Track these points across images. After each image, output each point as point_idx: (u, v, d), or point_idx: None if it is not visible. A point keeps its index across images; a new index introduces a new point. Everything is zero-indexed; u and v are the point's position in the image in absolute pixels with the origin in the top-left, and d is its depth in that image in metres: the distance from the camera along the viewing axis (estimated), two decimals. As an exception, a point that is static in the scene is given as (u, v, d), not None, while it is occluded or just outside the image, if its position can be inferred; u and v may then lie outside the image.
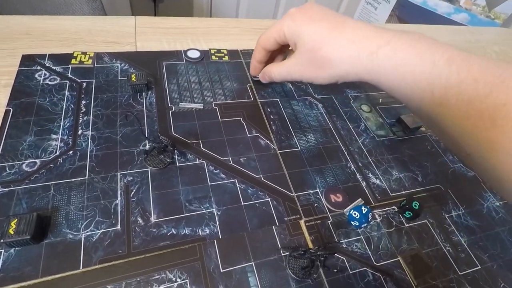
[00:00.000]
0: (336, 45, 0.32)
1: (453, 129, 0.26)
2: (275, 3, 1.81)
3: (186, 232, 0.30)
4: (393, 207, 0.36)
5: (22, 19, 0.46)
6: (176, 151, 0.35)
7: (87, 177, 0.31)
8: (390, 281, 0.30)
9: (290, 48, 0.40)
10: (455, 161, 0.43)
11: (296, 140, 0.40)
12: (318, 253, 0.27)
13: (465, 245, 0.35)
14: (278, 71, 0.39)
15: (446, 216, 0.37)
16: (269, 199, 0.34)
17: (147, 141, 0.35)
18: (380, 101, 0.49)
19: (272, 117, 0.42)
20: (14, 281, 0.24)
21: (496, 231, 0.37)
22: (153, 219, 0.30)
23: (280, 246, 0.30)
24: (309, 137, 0.41)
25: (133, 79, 0.39)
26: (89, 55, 0.42)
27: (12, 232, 0.25)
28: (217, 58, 0.48)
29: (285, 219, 0.32)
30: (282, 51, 0.42)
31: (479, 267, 0.33)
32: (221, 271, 0.28)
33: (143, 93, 0.40)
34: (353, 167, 0.39)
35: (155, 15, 1.61)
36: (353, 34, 0.31)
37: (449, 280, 0.32)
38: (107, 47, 0.45)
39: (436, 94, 0.26)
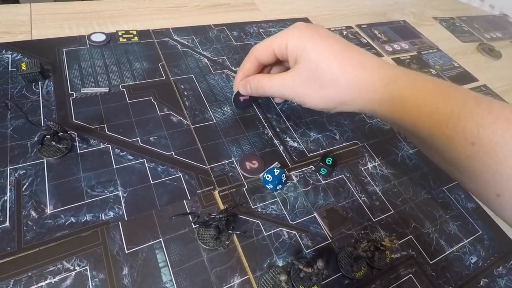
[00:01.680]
0: (347, 67, 0.28)
1: (485, 170, 0.24)
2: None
3: (87, 218, 0.28)
4: (310, 166, 0.37)
5: None
6: (77, 138, 0.33)
7: (-31, 176, 0.28)
8: (305, 237, 0.31)
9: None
10: (372, 117, 0.44)
11: (211, 113, 0.39)
12: (218, 216, 0.27)
13: (380, 193, 0.36)
14: (270, 83, 0.33)
15: (362, 168, 0.38)
16: (180, 174, 0.33)
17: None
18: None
19: (186, 93, 0.41)
20: None
21: (409, 176, 0.39)
22: (48, 210, 0.28)
23: (173, 216, 0.29)
24: (225, 109, 0.40)
25: (23, 68, 0.36)
26: (-27, 47, 0.38)
27: None
28: (125, 40, 0.45)
29: (198, 191, 0.32)
30: (273, 66, 0.37)
31: (392, 211, 0.35)
32: (126, 252, 0.27)
33: (39, 83, 0.37)
34: (270, 133, 0.39)
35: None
36: (367, 61, 0.28)
37: (363, 227, 0.33)
38: (-3, 37, 0.41)
39: (467, 133, 0.24)
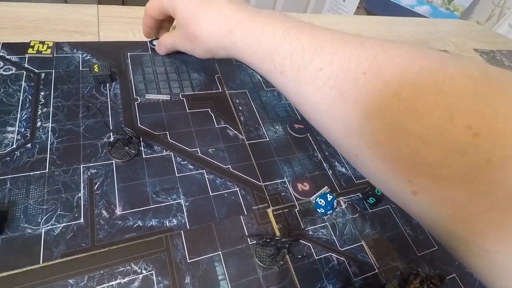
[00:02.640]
0: (202, 22, 0.33)
1: (293, 96, 0.28)
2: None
3: (153, 223, 0.29)
4: (358, 193, 0.38)
5: (-28, 5, 0.43)
6: (142, 143, 0.35)
7: (47, 170, 0.30)
8: (353, 265, 0.32)
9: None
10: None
11: (264, 130, 0.40)
12: (283, 240, 0.28)
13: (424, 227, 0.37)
14: (169, 41, 0.41)
15: (407, 201, 0.39)
16: (237, 188, 0.34)
17: (111, 133, 0.34)
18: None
19: (240, 108, 0.42)
20: (-33, 280, 0.23)
21: (452, 214, 0.39)
22: (118, 211, 0.29)
23: (246, 234, 0.30)
24: (277, 127, 0.41)
25: (95, 69, 0.37)
26: (48, 44, 0.40)
27: (-37, 229, 0.24)
28: (184, 49, 0.47)
29: (253, 208, 0.33)
30: (170, 20, 0.43)
31: (436, 247, 0.35)
32: (188, 261, 0.28)
33: (107, 84, 0.39)
34: (320, 156, 0.40)
35: (123, 3, 1.55)
36: (217, 12, 0.33)
37: (409, 261, 0.34)
38: (67, 36, 0.43)
39: (276, 64, 0.28)
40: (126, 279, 0.26)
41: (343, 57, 0.23)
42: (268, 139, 0.40)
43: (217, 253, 0.29)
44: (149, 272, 0.27)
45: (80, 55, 0.41)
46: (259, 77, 0.47)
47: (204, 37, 0.34)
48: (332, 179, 0.38)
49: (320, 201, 0.34)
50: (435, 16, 1.15)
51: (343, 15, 0.80)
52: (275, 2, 1.93)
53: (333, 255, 0.32)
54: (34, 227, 0.26)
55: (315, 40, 0.26)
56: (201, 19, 0.33)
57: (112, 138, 0.34)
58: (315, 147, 0.41)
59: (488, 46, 0.81)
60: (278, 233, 0.32)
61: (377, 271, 0.32)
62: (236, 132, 0.39)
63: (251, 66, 0.33)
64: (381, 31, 0.73)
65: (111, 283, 0.25)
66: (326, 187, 0.36)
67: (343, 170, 0.39)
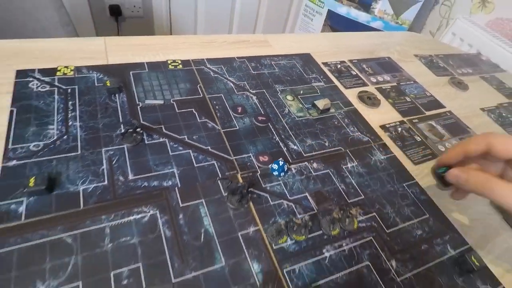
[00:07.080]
0: None
1: None
2: (229, 20, 1.98)
3: (155, 184, 0.42)
4: (305, 163, 0.51)
5: (10, 42, 0.57)
6: (144, 133, 0.48)
7: (79, 152, 0.43)
8: (299, 207, 0.45)
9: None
10: (354, 131, 0.59)
11: (235, 122, 0.54)
12: (239, 184, 0.41)
13: (355, 184, 0.50)
14: (502, 193, 0.30)
15: (343, 167, 0.52)
16: (214, 162, 0.47)
17: (122, 126, 0.47)
18: (301, 92, 0.64)
19: (217, 107, 0.56)
20: (36, 215, 0.36)
21: (378, 174, 0.53)
22: (130, 177, 0.42)
23: (218, 182, 0.43)
24: (245, 120, 0.55)
25: (108, 84, 0.51)
26: (70, 68, 0.54)
27: (32, 185, 0.36)
28: (173, 67, 0.61)
29: (226, 174, 0.46)
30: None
31: (363, 196, 0.49)
32: (181, 205, 0.41)
33: (116, 95, 0.52)
34: (277, 139, 0.53)
35: (118, 33, 1.71)
36: None
37: (341, 205, 0.47)
38: (84, 61, 0.57)
39: None
40: (139, 216, 0.39)
41: None
42: (238, 128, 0.53)
43: (200, 200, 0.42)
44: (155, 212, 0.39)
45: (95, 74, 0.55)
46: (232, 85, 0.61)
47: None
48: (286, 154, 0.51)
49: (275, 166, 0.47)
50: (388, 29, 1.33)
51: (308, 34, 0.95)
52: (255, 25, 2.12)
53: (284, 201, 0.45)
54: (74, 187, 0.39)
55: None
56: None
57: (122, 130, 0.47)
58: (274, 133, 0.54)
59: (428, 52, 0.96)
60: (244, 188, 0.45)
61: (315, 211, 0.45)
62: (214, 124, 0.53)
63: None
64: (338, 44, 0.88)
65: (129, 218, 0.38)
66: (281, 158, 0.50)
67: (295, 147, 0.53)
